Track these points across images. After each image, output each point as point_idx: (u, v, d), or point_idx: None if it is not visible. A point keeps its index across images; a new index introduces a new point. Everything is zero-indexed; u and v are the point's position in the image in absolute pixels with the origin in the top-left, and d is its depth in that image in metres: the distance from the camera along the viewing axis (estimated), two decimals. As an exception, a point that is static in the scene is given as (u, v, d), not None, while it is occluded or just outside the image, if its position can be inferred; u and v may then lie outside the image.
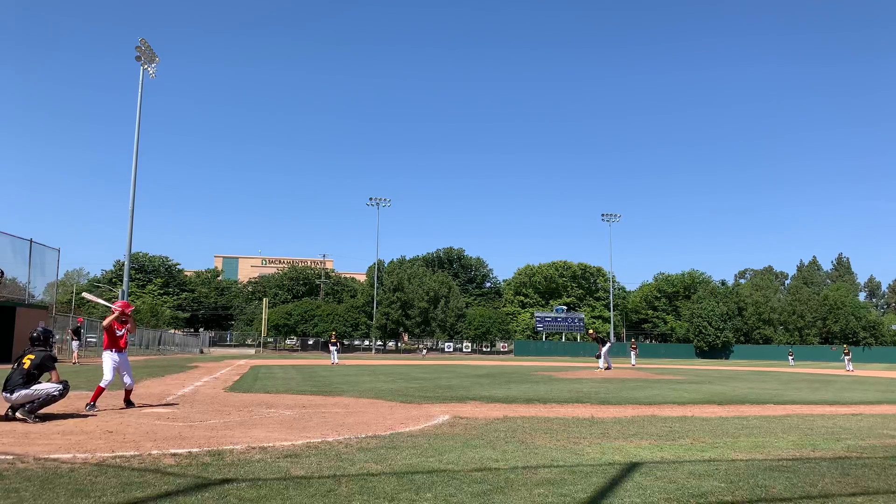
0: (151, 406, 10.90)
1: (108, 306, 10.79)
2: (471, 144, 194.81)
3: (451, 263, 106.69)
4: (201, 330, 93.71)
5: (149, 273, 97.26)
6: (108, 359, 10.29)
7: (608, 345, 29.16)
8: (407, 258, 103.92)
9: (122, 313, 10.61)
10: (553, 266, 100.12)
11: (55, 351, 11.53)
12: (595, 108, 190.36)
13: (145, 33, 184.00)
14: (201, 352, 68.72)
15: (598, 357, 29.22)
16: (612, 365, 28.98)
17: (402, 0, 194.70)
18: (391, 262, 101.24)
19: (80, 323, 35.69)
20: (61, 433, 7.50)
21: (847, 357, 42.44)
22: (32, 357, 8.85)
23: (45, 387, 8.64)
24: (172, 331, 79.65)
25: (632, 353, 43.84)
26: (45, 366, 8.84)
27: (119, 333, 10.45)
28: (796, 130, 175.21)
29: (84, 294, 12.46)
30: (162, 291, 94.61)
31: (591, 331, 32.73)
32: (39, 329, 9.35)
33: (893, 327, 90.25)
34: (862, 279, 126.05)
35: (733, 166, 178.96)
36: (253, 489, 4.82)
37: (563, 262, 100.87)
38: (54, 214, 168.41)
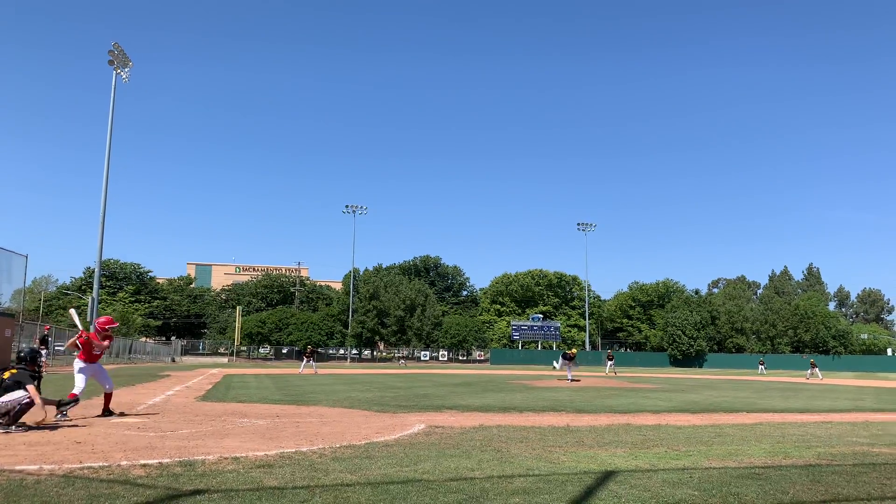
0: (121, 415, 10.71)
1: (79, 329, 10.57)
2: (448, 153, 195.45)
3: (428, 272, 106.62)
4: (173, 338, 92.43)
5: (120, 280, 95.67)
6: (80, 369, 10.09)
7: (567, 361, 28.83)
8: (383, 266, 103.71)
9: (102, 332, 10.46)
10: (529, 275, 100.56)
11: (43, 368, 11.62)
12: (570, 118, 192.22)
13: (119, 32, 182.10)
14: (173, 360, 67.75)
15: (567, 365, 28.79)
16: (572, 376, 28.76)
17: (379, 6, 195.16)
18: (367, 270, 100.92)
19: (48, 331, 35.00)
20: (27, 444, 7.32)
21: (814, 369, 42.91)
22: (14, 372, 8.79)
23: (15, 396, 8.49)
24: (143, 339, 78.45)
25: (608, 363, 44.83)
26: (21, 382, 8.71)
27: (96, 352, 10.26)
28: (768, 141, 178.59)
29: (71, 311, 12.10)
30: (133, 299, 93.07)
31: (574, 350, 32.29)
32: (27, 349, 9.54)
33: (862, 336, 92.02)
34: (832, 289, 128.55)
35: (706, 177, 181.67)
36: (225, 500, 4.75)
37: (540, 271, 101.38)
38: (22, 219, 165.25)
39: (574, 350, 31.24)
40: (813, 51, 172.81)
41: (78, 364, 10.18)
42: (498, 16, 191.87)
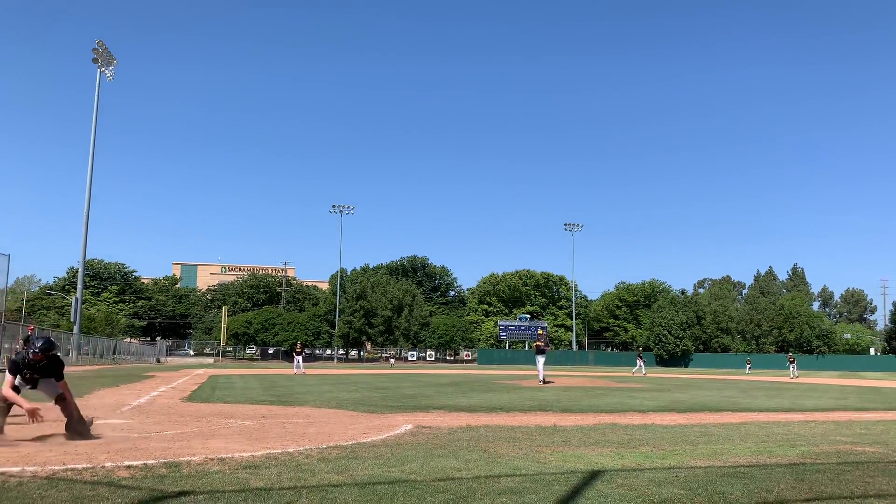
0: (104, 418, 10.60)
1: None
2: (435, 153, 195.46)
3: (416, 272, 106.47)
4: (158, 339, 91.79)
5: (104, 280, 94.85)
6: None
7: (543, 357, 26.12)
8: (370, 266, 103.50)
9: None
10: (517, 275, 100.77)
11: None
12: (557, 119, 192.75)
13: (104, 30, 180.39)
14: (158, 361, 67.24)
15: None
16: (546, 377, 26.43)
17: (365, 7, 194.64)
18: (354, 270, 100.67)
19: (31, 332, 34.59)
20: (8, 445, 7.22)
21: (792, 364, 43.29)
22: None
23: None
24: (128, 339, 77.93)
25: (640, 363, 46.38)
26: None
27: None
28: (753, 142, 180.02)
29: None
30: (118, 299, 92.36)
31: (541, 331, 28.81)
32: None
33: (846, 336, 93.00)
34: (815, 289, 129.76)
35: (692, 178, 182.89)
36: (211, 501, 4.71)
37: (527, 271, 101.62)
38: (4, 218, 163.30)
39: (540, 342, 27.28)
40: (797, 52, 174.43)
41: None
42: (485, 17, 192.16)
